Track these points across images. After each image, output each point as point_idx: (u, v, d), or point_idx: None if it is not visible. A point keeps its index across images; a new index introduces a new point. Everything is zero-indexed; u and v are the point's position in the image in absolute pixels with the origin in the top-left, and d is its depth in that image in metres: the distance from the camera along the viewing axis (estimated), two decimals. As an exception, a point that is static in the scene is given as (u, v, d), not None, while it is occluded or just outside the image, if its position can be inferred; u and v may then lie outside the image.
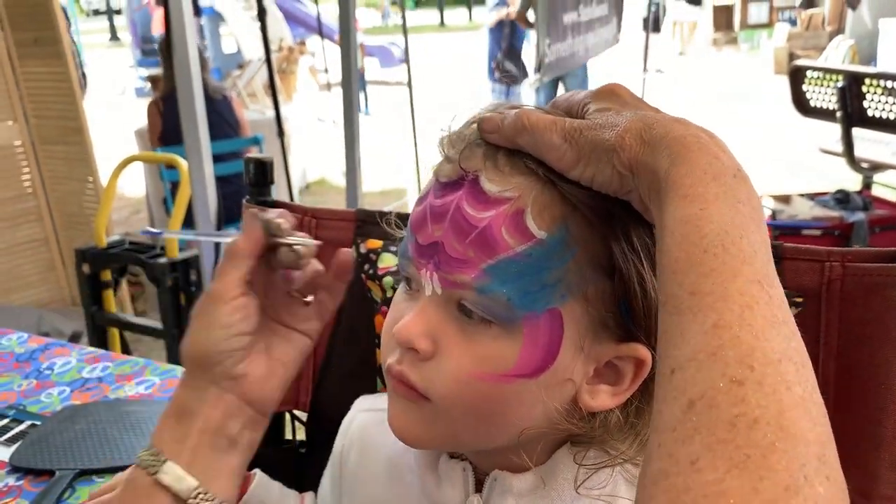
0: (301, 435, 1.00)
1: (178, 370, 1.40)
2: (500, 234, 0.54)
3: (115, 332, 2.63)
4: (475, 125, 0.58)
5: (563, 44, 4.26)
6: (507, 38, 7.62)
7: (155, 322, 2.55)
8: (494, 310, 0.54)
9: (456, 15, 22.46)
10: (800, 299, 0.70)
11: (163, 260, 2.38)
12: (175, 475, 0.59)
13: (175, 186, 3.82)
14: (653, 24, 8.97)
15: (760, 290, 0.42)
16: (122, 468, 0.91)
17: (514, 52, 7.52)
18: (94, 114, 3.81)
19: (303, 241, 0.63)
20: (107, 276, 2.54)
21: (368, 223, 0.91)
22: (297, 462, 0.97)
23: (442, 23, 21.23)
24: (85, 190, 3.76)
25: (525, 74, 6.23)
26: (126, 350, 2.66)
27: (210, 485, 0.59)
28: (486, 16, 7.98)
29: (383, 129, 8.02)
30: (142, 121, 5.21)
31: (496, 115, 0.57)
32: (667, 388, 0.41)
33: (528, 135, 0.54)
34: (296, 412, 0.99)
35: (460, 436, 0.59)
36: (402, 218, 0.71)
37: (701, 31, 13.45)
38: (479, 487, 0.65)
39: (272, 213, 0.63)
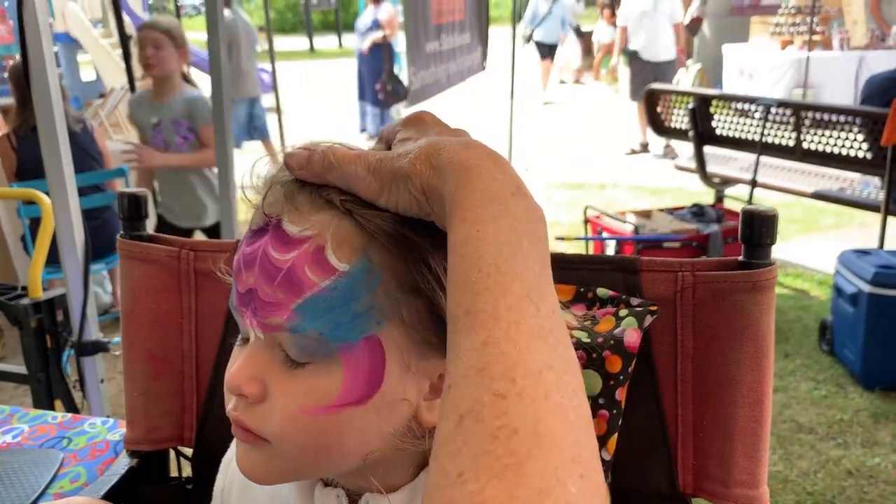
0: (187, 471, 0.98)
1: (50, 415, 1.33)
2: (303, 273, 0.55)
3: (-29, 381, 2.45)
4: (283, 165, 0.59)
5: (426, 71, 4.40)
6: (387, 60, 7.76)
7: (18, 367, 2.39)
8: (309, 346, 0.56)
9: (325, 41, 22.36)
10: (654, 308, 0.76)
11: (25, 301, 2.23)
12: None
13: (35, 223, 3.61)
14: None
15: (529, 304, 0.44)
16: (-6, 523, 0.87)
17: (394, 74, 7.68)
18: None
19: None
20: (-39, 321, 2.36)
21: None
22: (186, 498, 0.95)
23: (312, 49, 21.09)
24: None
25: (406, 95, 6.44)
26: (-15, 399, 2.48)
27: None
28: (359, 41, 8.07)
29: (254, 156, 7.85)
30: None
31: (303, 151, 0.58)
32: (444, 405, 0.42)
33: (336, 170, 0.56)
34: (181, 448, 0.97)
35: (303, 469, 0.61)
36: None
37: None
38: None
39: None
